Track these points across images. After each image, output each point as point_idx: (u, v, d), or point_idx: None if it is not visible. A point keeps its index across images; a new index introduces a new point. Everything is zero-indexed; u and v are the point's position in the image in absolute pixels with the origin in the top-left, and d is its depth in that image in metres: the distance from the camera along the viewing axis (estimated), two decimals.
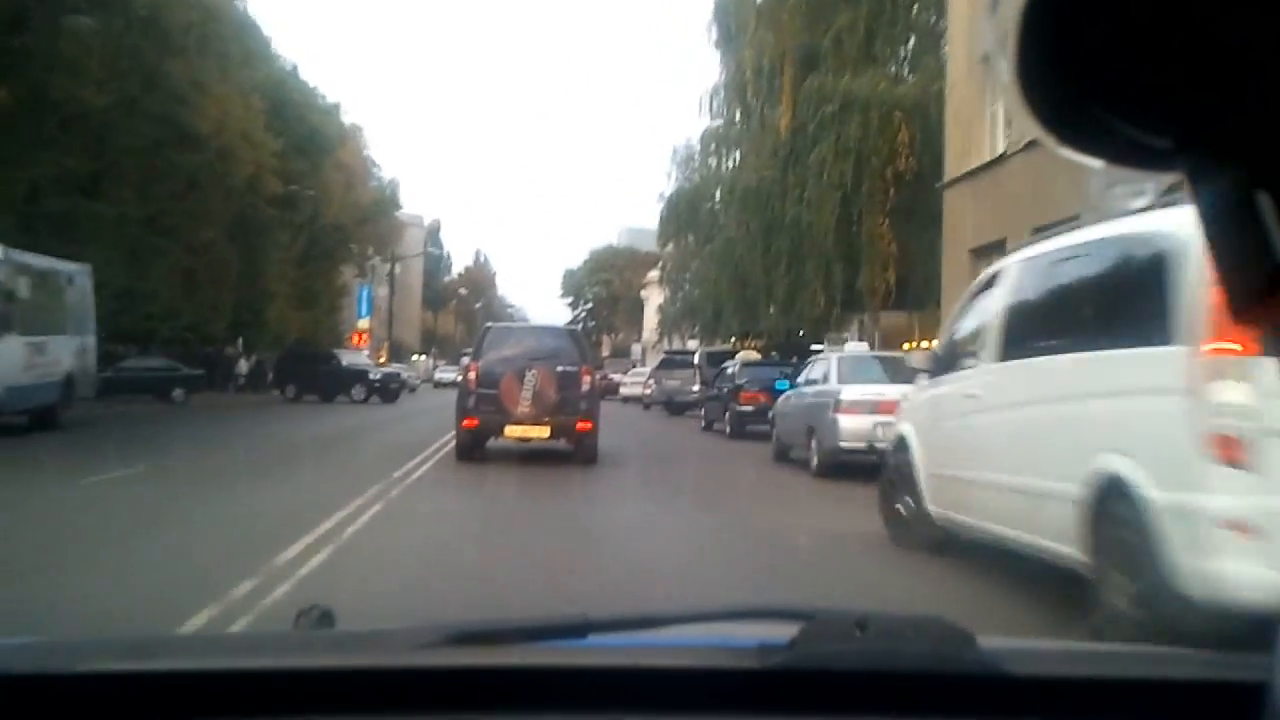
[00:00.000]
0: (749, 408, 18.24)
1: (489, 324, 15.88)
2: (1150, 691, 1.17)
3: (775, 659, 1.11)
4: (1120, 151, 0.49)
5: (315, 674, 1.17)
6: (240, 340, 35.59)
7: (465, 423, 12.58)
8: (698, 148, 34.14)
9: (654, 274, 62.43)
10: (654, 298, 63.58)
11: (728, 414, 19.10)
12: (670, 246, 40.73)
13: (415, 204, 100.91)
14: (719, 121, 32.81)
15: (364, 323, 60.28)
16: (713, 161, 33.88)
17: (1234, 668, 1.20)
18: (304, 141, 35.38)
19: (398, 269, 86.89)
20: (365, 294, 62.11)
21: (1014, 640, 1.79)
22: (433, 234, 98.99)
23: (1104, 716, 1.15)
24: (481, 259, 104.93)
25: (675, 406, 27.90)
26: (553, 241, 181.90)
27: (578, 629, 1.24)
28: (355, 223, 44.23)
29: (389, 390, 33.50)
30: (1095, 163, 0.50)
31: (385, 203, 48.26)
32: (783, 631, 1.14)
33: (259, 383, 37.18)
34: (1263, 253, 0.46)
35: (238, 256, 35.47)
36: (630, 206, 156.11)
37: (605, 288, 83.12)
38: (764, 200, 25.07)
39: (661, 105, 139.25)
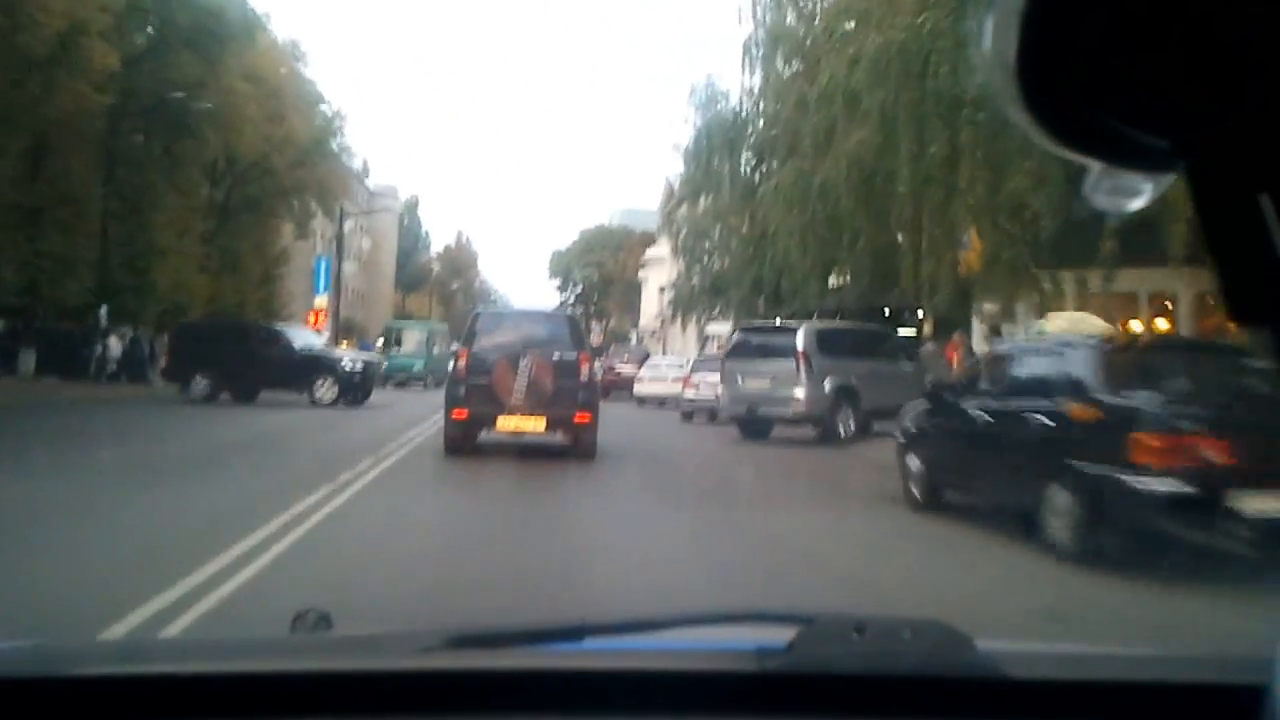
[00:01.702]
0: (1177, 489, 5.83)
1: (479, 308, 14.62)
2: (1149, 694, 1.16)
3: (774, 662, 1.11)
4: (1120, 153, 0.49)
5: (314, 677, 1.16)
6: (104, 310, 25.35)
7: (455, 414, 11.89)
8: (728, 87, 26.45)
9: (654, 251, 54.42)
10: (654, 279, 56.13)
11: (1082, 500, 6.41)
12: (684, 209, 32.57)
13: (394, 181, 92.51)
14: (762, 31, 24.83)
15: (321, 300, 51.39)
16: (756, 79, 25.11)
17: (1232, 670, 1.20)
18: (192, 34, 25.57)
19: (366, 244, 78.67)
20: (324, 266, 53.14)
21: (1012, 643, 1.67)
22: (410, 210, 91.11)
23: None
24: (463, 239, 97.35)
25: (755, 425, 16.25)
26: (540, 225, 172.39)
27: (576, 632, 1.27)
28: (288, 166, 34.63)
29: (366, 387, 22.07)
30: (1095, 164, 0.50)
31: (327, 140, 37.88)
32: (781, 635, 1.13)
33: (140, 369, 27.58)
34: (1263, 253, 0.46)
35: (110, 197, 26.08)
36: (622, 190, 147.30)
37: (597, 269, 75.21)
38: (902, 70, 14.37)
39: (654, 86, 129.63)
